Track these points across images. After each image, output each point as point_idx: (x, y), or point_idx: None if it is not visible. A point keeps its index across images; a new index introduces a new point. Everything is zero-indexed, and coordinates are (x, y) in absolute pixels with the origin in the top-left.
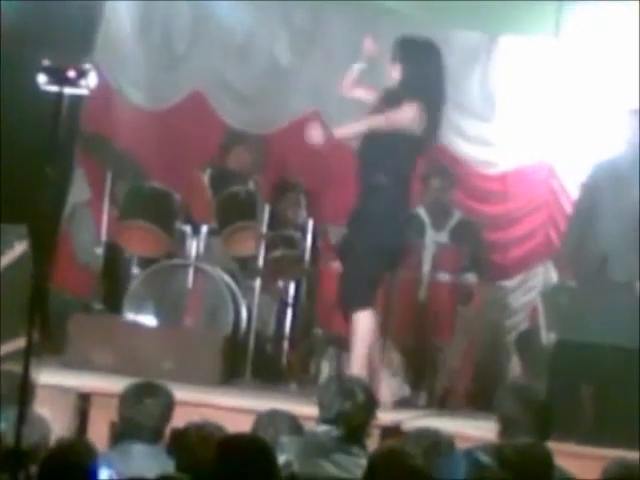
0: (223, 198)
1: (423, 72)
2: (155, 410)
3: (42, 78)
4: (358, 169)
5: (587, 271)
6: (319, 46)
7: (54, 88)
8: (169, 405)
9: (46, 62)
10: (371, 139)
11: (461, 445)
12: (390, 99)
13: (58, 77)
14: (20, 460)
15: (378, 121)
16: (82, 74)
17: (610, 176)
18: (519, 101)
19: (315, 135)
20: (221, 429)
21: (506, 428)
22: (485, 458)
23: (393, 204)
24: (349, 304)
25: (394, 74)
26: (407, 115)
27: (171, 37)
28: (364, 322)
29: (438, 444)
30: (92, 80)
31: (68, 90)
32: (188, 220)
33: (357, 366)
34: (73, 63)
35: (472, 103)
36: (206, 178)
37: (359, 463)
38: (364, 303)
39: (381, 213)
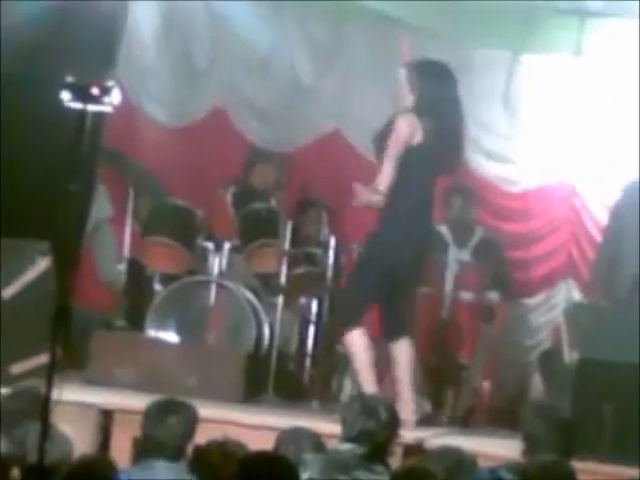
0: (245, 215)
1: (433, 93)
2: (178, 428)
3: (66, 95)
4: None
5: (618, 293)
6: (340, 62)
7: (78, 105)
8: (192, 423)
9: (69, 79)
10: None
11: (484, 463)
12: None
13: (81, 94)
14: (43, 477)
15: (394, 151)
16: (105, 91)
17: (637, 197)
18: (541, 119)
19: (362, 196)
20: (243, 447)
21: (530, 446)
22: (508, 476)
23: (406, 225)
24: (340, 322)
25: (407, 98)
26: (404, 129)
27: (192, 53)
28: (355, 341)
29: (460, 462)
30: (115, 97)
31: (91, 107)
32: (210, 237)
33: (366, 384)
34: (95, 79)
35: (494, 121)
36: (229, 196)
37: None
38: (354, 321)
39: (390, 232)
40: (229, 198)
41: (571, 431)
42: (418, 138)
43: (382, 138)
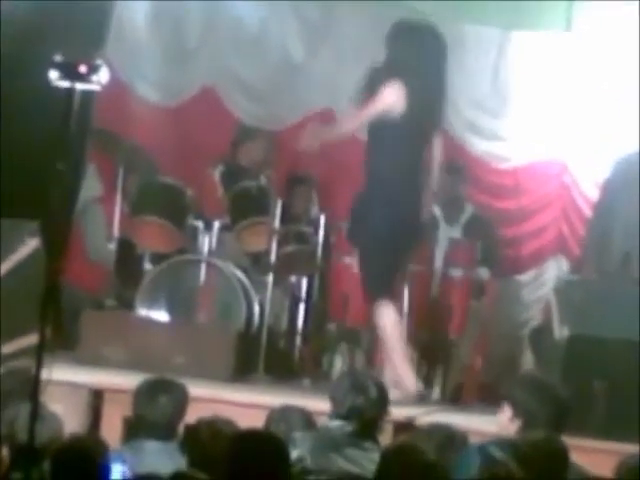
0: (235, 194)
1: (408, 53)
2: (169, 407)
3: (54, 74)
4: (365, 160)
5: (609, 269)
6: (332, 41)
7: (65, 84)
8: (183, 402)
9: (58, 58)
10: (373, 129)
11: (475, 440)
12: (373, 83)
13: (69, 72)
14: (33, 457)
15: (362, 115)
16: (93, 69)
17: (628, 174)
18: (532, 96)
19: (306, 141)
20: (232, 424)
21: (519, 417)
22: (499, 453)
23: (401, 193)
24: (368, 295)
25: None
26: (387, 98)
27: (182, 32)
28: (385, 315)
29: (451, 439)
30: (104, 75)
31: (79, 86)
32: (200, 216)
33: (396, 360)
34: (85, 58)
35: (485, 98)
36: (217, 174)
37: (372, 458)
38: (382, 293)
39: (389, 202)
40: (217, 176)
41: (564, 404)
42: (398, 110)
43: (364, 95)
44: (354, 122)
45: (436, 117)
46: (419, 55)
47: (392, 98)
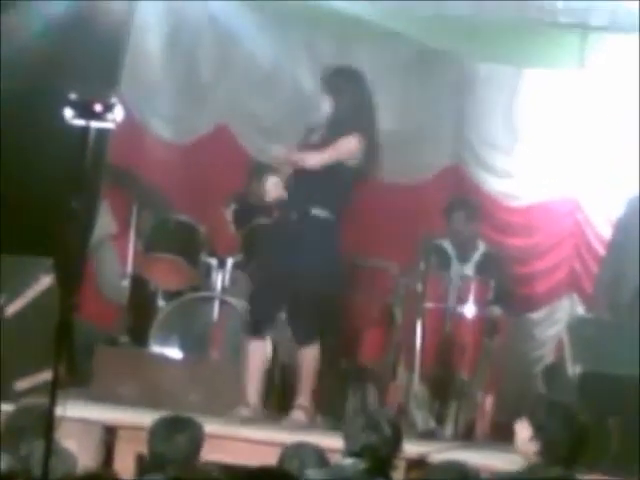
0: (248, 232)
1: (353, 102)
2: (184, 445)
3: (69, 112)
4: (290, 200)
5: (621, 306)
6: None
7: (81, 122)
8: (199, 440)
9: (73, 96)
10: (306, 172)
11: (487, 477)
12: (328, 132)
13: (85, 111)
14: None
15: (323, 157)
16: (108, 108)
17: None
18: (544, 134)
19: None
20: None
21: (539, 439)
22: None
23: (328, 236)
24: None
25: (323, 106)
26: (348, 147)
27: (196, 69)
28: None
29: (464, 476)
30: (118, 114)
31: (94, 124)
32: (213, 253)
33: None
34: (99, 96)
35: (497, 136)
36: (230, 212)
37: None
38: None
39: (316, 244)
40: (230, 214)
41: (584, 430)
42: (354, 160)
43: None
44: (316, 160)
45: (375, 160)
46: (361, 103)
47: (351, 149)
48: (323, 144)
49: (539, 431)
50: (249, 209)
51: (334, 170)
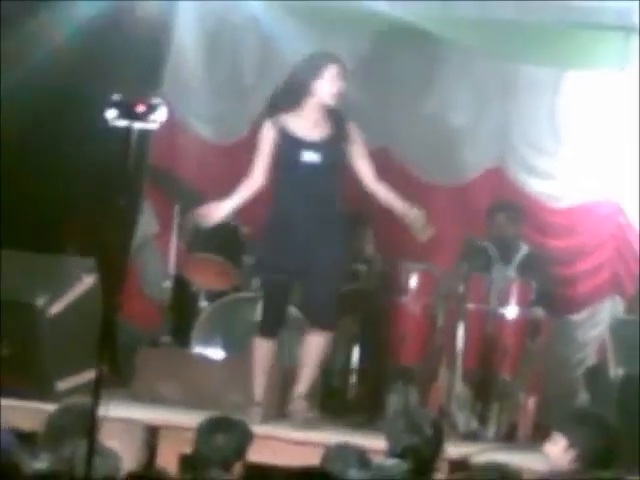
0: None
1: None
2: (226, 445)
3: (111, 112)
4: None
5: None
6: (386, 81)
7: (123, 123)
8: (243, 441)
9: (116, 97)
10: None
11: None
12: None
13: (127, 112)
14: None
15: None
16: (151, 109)
17: None
18: (587, 136)
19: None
20: None
21: (574, 448)
22: None
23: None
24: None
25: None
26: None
27: (238, 70)
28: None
29: (505, 477)
30: (161, 114)
31: (137, 125)
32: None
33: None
34: (141, 97)
35: (539, 137)
36: None
37: None
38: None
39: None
40: None
41: (618, 439)
42: None
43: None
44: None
45: None
46: None
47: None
48: None
49: (574, 441)
50: None
51: None
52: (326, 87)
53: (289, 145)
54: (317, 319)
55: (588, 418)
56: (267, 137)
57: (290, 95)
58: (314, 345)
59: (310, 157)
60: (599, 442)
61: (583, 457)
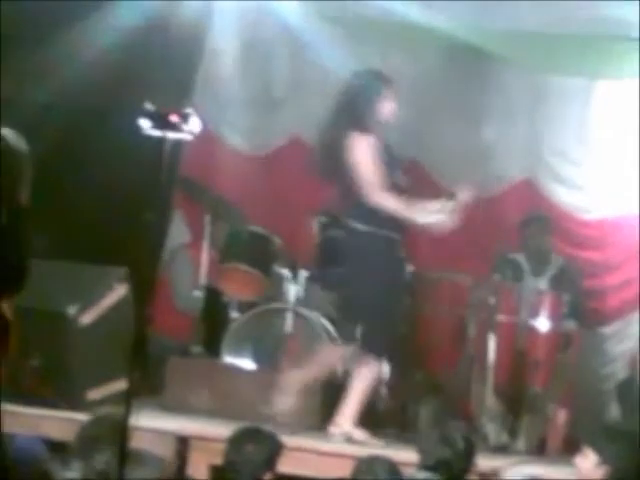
0: (322, 242)
1: None
2: (256, 456)
3: (145, 122)
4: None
5: None
6: (419, 92)
7: (157, 133)
8: (273, 452)
9: (149, 106)
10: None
11: None
12: None
13: (161, 121)
14: None
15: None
16: (184, 119)
17: None
18: (617, 146)
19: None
20: None
21: (606, 464)
22: None
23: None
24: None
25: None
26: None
27: (270, 81)
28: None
29: None
30: (194, 125)
31: (171, 135)
32: (287, 264)
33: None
34: (173, 106)
35: (570, 148)
36: (316, 225)
37: None
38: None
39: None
40: (316, 227)
41: None
42: None
43: None
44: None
45: None
46: None
47: None
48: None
49: (605, 457)
50: (332, 221)
51: None
52: (387, 107)
53: (387, 165)
54: (372, 347)
55: (620, 435)
56: (371, 153)
57: (360, 113)
58: (362, 373)
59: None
60: (631, 460)
61: (614, 474)
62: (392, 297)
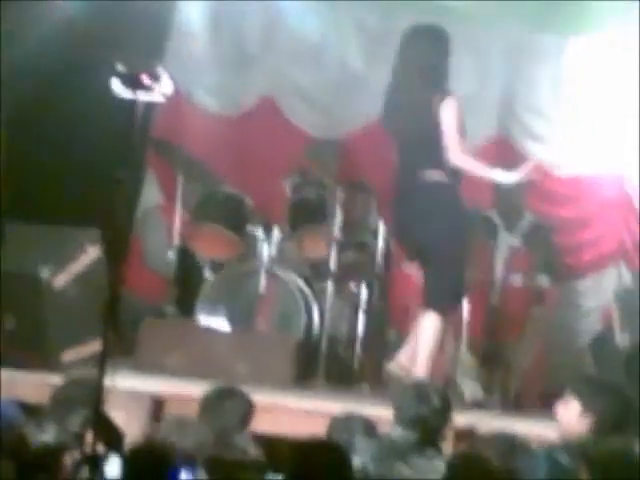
0: (295, 202)
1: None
2: (229, 415)
3: (116, 84)
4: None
5: None
6: (390, 50)
7: (128, 94)
8: (246, 411)
9: (120, 67)
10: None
11: (536, 445)
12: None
13: (132, 82)
14: (95, 464)
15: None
16: (156, 79)
17: None
18: (591, 103)
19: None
20: None
21: (589, 414)
22: (566, 460)
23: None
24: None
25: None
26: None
27: (241, 41)
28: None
29: (513, 446)
30: (166, 86)
31: (142, 96)
32: (260, 224)
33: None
34: (144, 67)
35: (544, 105)
36: (288, 185)
37: (435, 466)
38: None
39: (444, 210)
40: (288, 188)
41: (633, 406)
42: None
43: None
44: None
45: None
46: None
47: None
48: None
49: (589, 407)
50: (304, 182)
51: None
52: None
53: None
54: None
55: (605, 385)
56: (457, 115)
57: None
58: (427, 326)
59: None
60: (616, 408)
61: (599, 423)
62: (459, 247)
